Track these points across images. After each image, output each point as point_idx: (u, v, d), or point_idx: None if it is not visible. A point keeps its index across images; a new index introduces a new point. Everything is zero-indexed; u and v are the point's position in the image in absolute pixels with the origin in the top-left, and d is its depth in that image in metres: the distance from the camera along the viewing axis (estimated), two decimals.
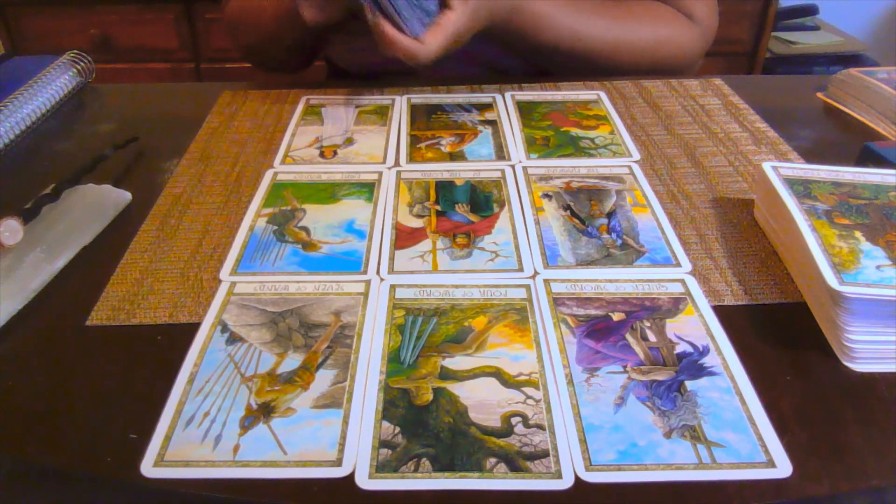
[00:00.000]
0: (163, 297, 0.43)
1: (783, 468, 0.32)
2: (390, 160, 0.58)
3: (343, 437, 0.34)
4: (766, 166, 0.48)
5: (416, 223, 0.50)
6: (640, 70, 0.73)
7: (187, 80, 1.82)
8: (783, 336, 0.40)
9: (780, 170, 0.47)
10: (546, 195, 0.52)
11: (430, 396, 0.36)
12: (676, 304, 0.42)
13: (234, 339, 0.40)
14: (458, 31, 0.60)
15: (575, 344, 0.39)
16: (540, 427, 0.34)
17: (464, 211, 0.51)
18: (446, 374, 0.37)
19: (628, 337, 0.39)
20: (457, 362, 0.38)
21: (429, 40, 0.58)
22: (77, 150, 0.62)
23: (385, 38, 0.57)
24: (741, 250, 0.47)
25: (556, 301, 0.42)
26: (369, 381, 0.37)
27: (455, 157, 0.58)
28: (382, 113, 0.66)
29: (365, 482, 0.32)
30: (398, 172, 0.56)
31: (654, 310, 0.41)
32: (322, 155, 0.59)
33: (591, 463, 0.32)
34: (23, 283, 0.43)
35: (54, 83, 0.68)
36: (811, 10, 1.91)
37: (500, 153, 0.59)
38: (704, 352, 0.38)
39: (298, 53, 0.78)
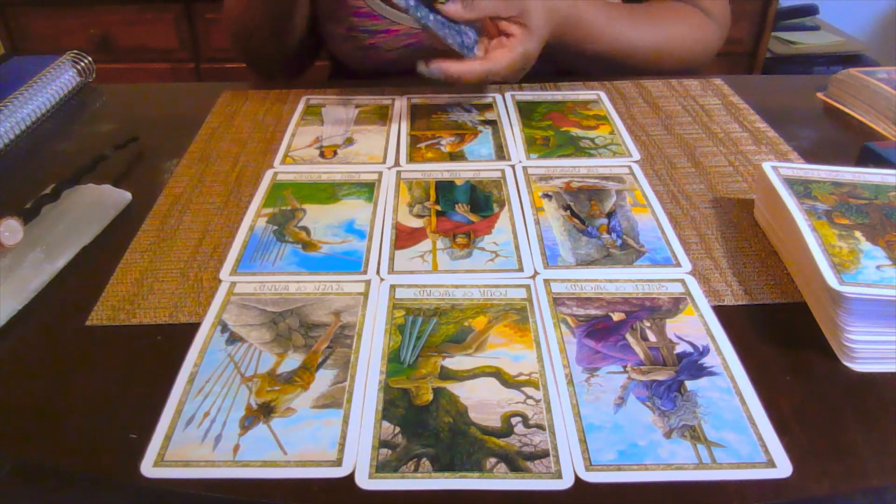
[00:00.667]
0: (163, 297, 0.43)
1: (783, 468, 0.32)
2: (390, 160, 0.58)
3: (343, 437, 0.34)
4: (766, 166, 0.48)
5: (416, 223, 0.50)
6: (666, 69, 0.74)
7: (187, 80, 1.82)
8: (783, 336, 0.40)
9: (780, 170, 0.47)
10: (546, 195, 0.52)
11: (430, 396, 0.36)
12: (676, 304, 0.42)
13: (234, 339, 0.40)
14: (526, 52, 0.62)
15: (575, 344, 0.39)
16: (540, 427, 0.34)
17: (464, 211, 0.51)
18: (446, 374, 0.37)
19: (628, 337, 0.39)
20: (457, 362, 0.38)
21: (495, 63, 0.60)
22: (77, 150, 0.62)
23: (459, 80, 0.59)
24: (741, 250, 0.47)
25: (556, 301, 0.42)
26: (369, 381, 0.37)
27: (455, 157, 0.58)
28: (382, 113, 0.66)
29: (365, 482, 0.32)
30: (398, 172, 0.56)
31: (654, 310, 0.41)
32: (322, 155, 0.59)
33: (591, 463, 0.32)
34: (23, 283, 0.43)
35: (54, 83, 0.68)
36: (811, 10, 1.90)
37: (500, 153, 0.59)
38: (704, 352, 0.38)
39: (289, 41, 0.76)
